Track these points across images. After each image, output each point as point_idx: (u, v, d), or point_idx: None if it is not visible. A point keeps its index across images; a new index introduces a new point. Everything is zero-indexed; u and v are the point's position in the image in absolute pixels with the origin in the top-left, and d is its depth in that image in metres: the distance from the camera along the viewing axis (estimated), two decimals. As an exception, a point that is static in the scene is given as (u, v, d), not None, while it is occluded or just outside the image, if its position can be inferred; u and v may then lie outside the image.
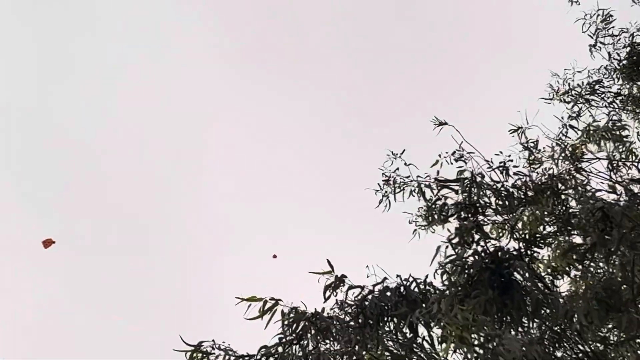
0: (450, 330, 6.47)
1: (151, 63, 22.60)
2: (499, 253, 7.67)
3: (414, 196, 10.62)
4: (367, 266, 8.37)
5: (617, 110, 12.54)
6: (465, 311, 6.63)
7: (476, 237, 7.67)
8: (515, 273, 7.54)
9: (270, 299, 8.27)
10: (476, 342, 6.60)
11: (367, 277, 8.32)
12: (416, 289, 8.11)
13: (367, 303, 7.89)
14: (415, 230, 11.05)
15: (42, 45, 22.02)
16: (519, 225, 9.97)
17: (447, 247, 7.69)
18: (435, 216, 9.75)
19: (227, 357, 8.02)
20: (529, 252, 9.30)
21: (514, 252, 8.12)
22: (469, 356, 6.53)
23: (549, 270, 9.92)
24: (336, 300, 8.48)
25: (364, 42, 22.87)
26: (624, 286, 7.17)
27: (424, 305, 7.64)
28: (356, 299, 8.11)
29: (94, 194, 22.04)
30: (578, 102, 12.61)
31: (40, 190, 21.97)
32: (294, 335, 7.87)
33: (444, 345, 7.01)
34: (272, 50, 22.98)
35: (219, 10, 22.52)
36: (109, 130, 22.50)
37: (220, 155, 22.78)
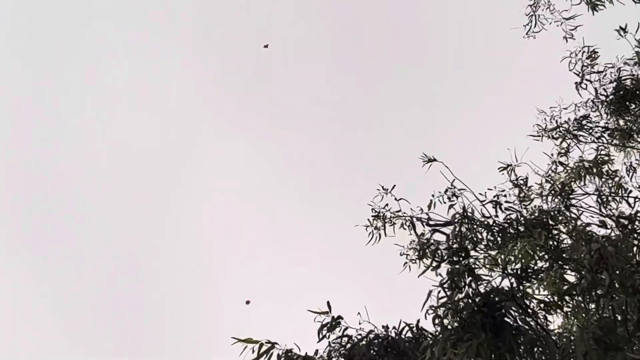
0: None
1: (138, 111, 22.72)
2: (491, 295, 7.61)
3: (404, 229, 10.68)
4: (359, 313, 8.34)
5: (605, 144, 12.60)
6: (458, 356, 6.55)
7: (467, 279, 7.62)
8: (507, 314, 7.48)
9: (266, 342, 8.27)
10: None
11: (360, 323, 8.29)
12: (409, 333, 8.08)
13: (355, 354, 7.85)
14: (406, 263, 11.02)
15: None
16: (511, 258, 9.99)
17: (438, 290, 7.65)
18: (428, 255, 9.76)
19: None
20: (521, 287, 9.29)
21: (506, 291, 8.08)
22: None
23: (541, 305, 9.87)
24: (328, 343, 8.47)
25: (352, 78, 23.02)
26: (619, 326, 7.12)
27: (415, 352, 7.61)
28: (346, 348, 8.08)
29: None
30: (566, 138, 12.68)
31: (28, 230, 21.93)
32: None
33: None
34: (258, 94, 23.11)
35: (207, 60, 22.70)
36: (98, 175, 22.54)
37: (207, 200, 22.79)
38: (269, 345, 8.28)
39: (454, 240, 8.60)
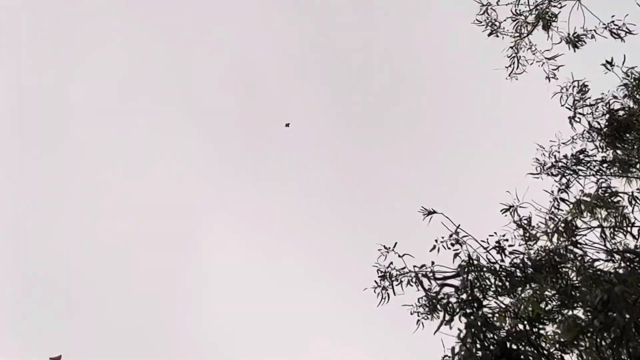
0: None
1: (133, 180, 22.90)
2: (507, 342, 7.64)
3: (411, 286, 10.65)
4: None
5: (605, 177, 12.68)
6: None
7: (484, 329, 7.65)
8: (525, 360, 7.50)
9: None
10: None
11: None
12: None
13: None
14: (418, 320, 10.96)
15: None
16: (522, 305, 9.99)
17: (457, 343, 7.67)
18: (439, 309, 9.77)
19: None
20: (534, 330, 9.29)
21: (520, 334, 8.10)
22: None
23: (556, 345, 9.85)
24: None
25: (347, 128, 23.24)
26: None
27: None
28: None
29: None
30: (565, 174, 12.76)
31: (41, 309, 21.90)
32: None
33: None
34: (253, 149, 23.31)
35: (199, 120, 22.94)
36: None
37: (213, 258, 22.82)
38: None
39: (464, 291, 8.63)
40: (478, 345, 7.59)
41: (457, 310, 7.79)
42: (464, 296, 8.03)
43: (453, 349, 7.57)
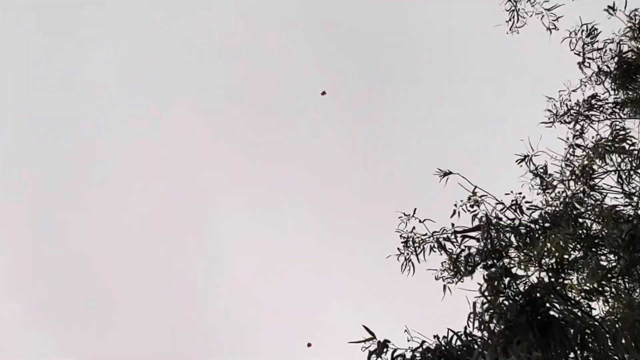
0: None
1: (146, 155, 22.93)
2: (532, 292, 7.65)
3: (434, 252, 10.63)
4: (406, 329, 8.31)
5: (619, 119, 12.59)
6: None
7: (506, 280, 7.67)
8: (551, 310, 7.51)
9: None
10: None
11: (408, 340, 8.26)
12: (458, 342, 8.08)
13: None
14: (445, 286, 10.97)
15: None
16: (545, 252, 9.97)
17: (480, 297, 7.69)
18: (462, 268, 9.78)
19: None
20: (559, 280, 9.31)
21: (546, 284, 8.11)
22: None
23: (582, 294, 9.85)
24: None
25: (358, 94, 23.13)
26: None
27: (468, 358, 7.62)
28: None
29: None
30: (578, 120, 12.68)
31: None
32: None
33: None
34: (268, 115, 23.25)
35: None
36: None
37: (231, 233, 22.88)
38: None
39: (485, 243, 8.63)
40: (502, 298, 7.61)
41: (478, 262, 7.79)
42: (486, 248, 8.01)
43: (474, 304, 7.59)
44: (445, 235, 10.25)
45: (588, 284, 9.72)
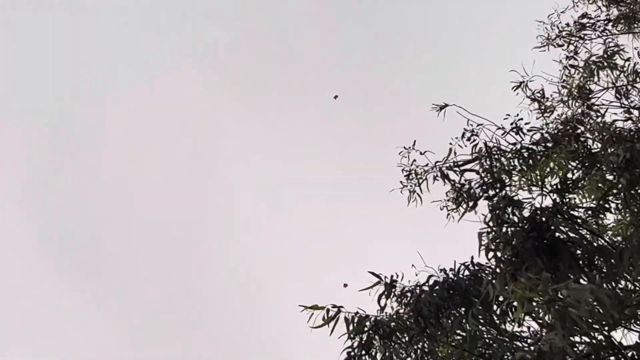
0: (517, 294, 6.31)
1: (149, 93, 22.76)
2: (536, 217, 7.62)
3: (437, 180, 10.60)
4: (413, 265, 8.31)
5: (611, 36, 12.42)
6: (520, 288, 6.53)
7: (509, 209, 7.62)
8: (557, 233, 7.48)
9: (332, 307, 8.32)
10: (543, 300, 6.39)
11: (416, 275, 8.27)
12: (466, 272, 8.08)
13: (421, 305, 7.83)
14: (448, 214, 10.96)
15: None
16: (547, 172, 9.92)
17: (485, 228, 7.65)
18: (465, 197, 9.75)
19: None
20: (564, 200, 9.28)
21: (550, 208, 8.08)
22: (540, 315, 6.38)
23: (588, 212, 9.81)
24: (391, 307, 8.46)
25: (352, 33, 22.80)
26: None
27: (477, 287, 7.63)
28: (409, 302, 8.06)
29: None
30: (571, 41, 12.51)
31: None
32: (362, 347, 7.91)
33: (515, 312, 6.82)
34: (269, 59, 22.97)
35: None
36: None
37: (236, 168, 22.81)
38: (336, 310, 8.36)
39: (485, 175, 8.55)
40: (506, 226, 7.57)
41: (480, 194, 7.73)
42: (486, 179, 7.94)
43: (480, 234, 7.57)
44: (447, 165, 10.23)
45: (593, 202, 9.68)
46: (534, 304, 6.16)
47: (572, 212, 8.78)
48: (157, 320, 21.22)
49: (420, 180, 10.48)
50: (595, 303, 5.89)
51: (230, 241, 22.12)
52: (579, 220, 8.63)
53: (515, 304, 6.62)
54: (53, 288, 21.03)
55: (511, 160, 9.85)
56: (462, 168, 8.45)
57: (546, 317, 6.24)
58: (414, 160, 10.61)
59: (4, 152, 21.93)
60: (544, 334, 6.40)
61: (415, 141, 10.46)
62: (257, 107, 22.39)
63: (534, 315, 6.56)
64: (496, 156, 9.73)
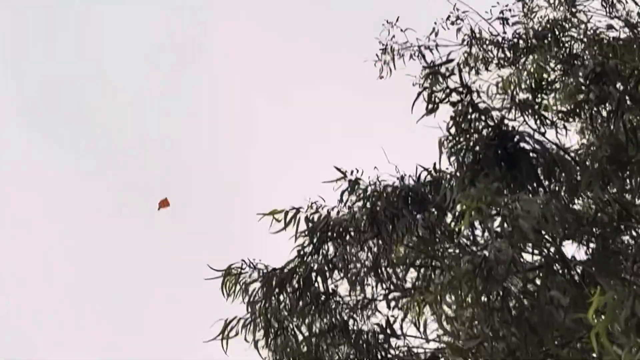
0: (465, 204, 6.35)
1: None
2: (501, 126, 7.51)
3: (414, 60, 10.54)
4: (376, 167, 8.26)
5: None
6: (474, 195, 6.53)
7: (473, 116, 7.48)
8: (521, 143, 7.40)
9: (291, 209, 8.37)
10: (493, 212, 6.46)
11: (377, 177, 8.22)
12: (428, 177, 8.06)
13: (377, 208, 7.81)
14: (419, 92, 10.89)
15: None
16: (524, 74, 9.83)
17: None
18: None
19: (257, 272, 8.29)
20: (536, 100, 9.21)
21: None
22: (488, 226, 6.44)
23: (559, 115, 9.71)
24: (347, 205, 8.45)
25: None
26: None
27: (435, 195, 7.64)
28: (366, 204, 8.05)
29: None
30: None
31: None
32: (313, 245, 8.01)
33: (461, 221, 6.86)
34: None
35: None
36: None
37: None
38: (294, 211, 8.38)
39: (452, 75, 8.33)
40: (468, 135, 7.47)
41: (442, 99, 7.54)
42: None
43: (440, 141, 7.48)
44: (425, 45, 10.19)
45: (565, 106, 9.58)
46: (483, 213, 6.15)
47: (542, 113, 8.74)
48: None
49: (397, 56, 10.46)
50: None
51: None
52: (549, 121, 8.57)
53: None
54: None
55: (491, 52, 9.76)
56: (431, 71, 8.16)
57: (495, 227, 6.23)
58: (393, 36, 10.56)
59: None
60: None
61: (398, 17, 10.40)
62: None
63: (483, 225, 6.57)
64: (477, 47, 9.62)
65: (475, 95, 7.41)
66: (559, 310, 5.89)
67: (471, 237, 7.32)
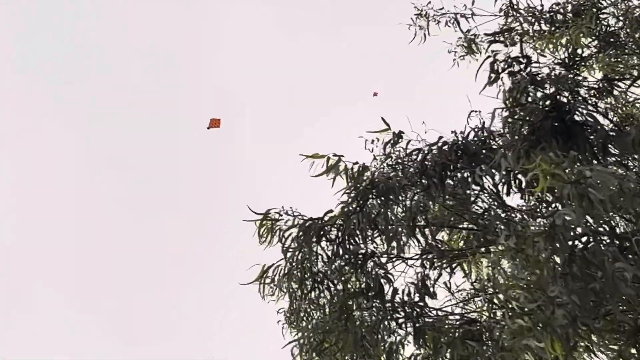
0: (541, 167, 6.34)
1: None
2: (557, 96, 7.58)
3: (449, 27, 10.54)
4: (424, 122, 8.27)
5: None
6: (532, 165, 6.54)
7: (531, 88, 7.53)
8: (575, 115, 7.49)
9: (333, 155, 8.40)
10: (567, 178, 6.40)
11: (425, 132, 8.24)
12: (475, 138, 8.08)
13: (427, 163, 7.84)
14: (454, 60, 10.93)
15: None
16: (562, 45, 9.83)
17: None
18: (476, 52, 9.69)
19: (295, 220, 8.25)
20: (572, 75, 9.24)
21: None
22: (562, 193, 6.41)
23: (591, 92, 9.76)
24: (395, 159, 8.48)
25: None
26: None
27: (485, 154, 7.67)
28: (415, 160, 8.07)
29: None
30: None
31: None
32: (357, 201, 8.00)
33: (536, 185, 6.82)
34: None
35: None
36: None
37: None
38: (337, 158, 8.41)
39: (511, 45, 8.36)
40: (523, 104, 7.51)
41: (503, 68, 7.58)
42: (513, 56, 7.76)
43: (494, 111, 7.53)
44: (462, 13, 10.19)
45: (599, 84, 9.64)
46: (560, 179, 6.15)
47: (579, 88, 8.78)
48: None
49: (432, 21, 10.45)
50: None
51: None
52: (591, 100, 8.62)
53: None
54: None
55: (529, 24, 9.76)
56: (490, 39, 8.22)
57: (565, 195, 6.22)
58: (429, 2, 10.53)
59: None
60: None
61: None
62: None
63: (554, 191, 6.56)
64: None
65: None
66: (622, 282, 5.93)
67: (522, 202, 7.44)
